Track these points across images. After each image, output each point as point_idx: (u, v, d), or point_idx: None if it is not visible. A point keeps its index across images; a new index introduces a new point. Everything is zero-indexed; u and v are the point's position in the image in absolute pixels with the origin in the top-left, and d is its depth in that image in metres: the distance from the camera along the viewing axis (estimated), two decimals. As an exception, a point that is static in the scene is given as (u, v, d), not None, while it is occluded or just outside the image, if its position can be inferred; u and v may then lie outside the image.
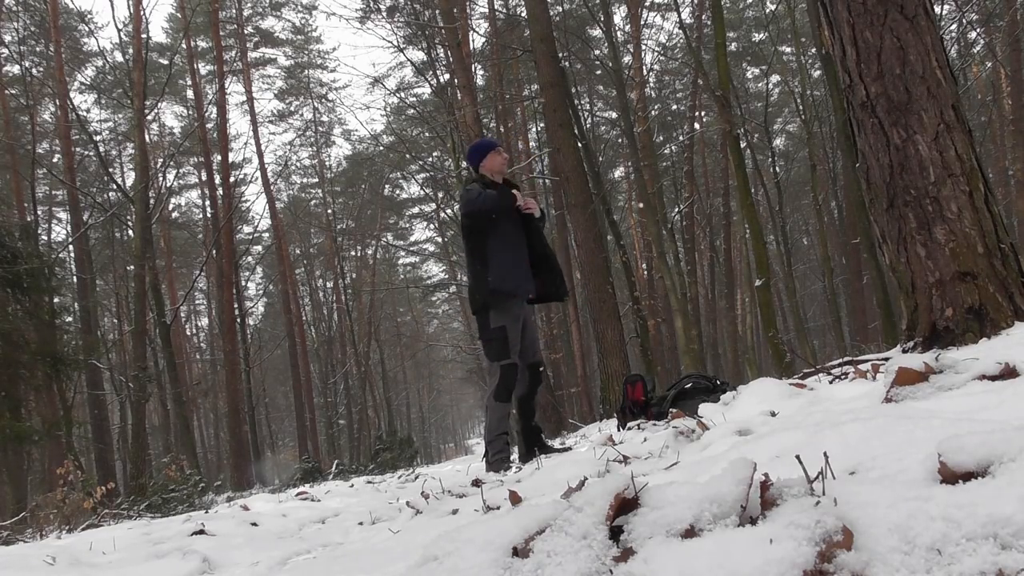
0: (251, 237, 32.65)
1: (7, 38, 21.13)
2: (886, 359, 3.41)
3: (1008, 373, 1.41)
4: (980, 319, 3.04)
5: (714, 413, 2.27)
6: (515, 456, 5.35)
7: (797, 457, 0.84)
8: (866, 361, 3.47)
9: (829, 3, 3.50)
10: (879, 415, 1.17)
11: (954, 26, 17.38)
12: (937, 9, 13.68)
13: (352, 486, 8.49)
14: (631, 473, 0.91)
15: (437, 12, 18.54)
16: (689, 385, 5.51)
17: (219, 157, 24.94)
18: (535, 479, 1.63)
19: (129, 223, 21.74)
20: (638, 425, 4.69)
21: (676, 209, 23.93)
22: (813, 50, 19.43)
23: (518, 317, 4.75)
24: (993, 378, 1.40)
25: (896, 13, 3.24)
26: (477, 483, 2.82)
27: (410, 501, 1.55)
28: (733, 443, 1.33)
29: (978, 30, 18.07)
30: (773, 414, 2.03)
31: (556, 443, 7.43)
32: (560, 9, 22.17)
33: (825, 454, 0.89)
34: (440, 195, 25.49)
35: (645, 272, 25.90)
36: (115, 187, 21.94)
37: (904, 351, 3.40)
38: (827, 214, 24.20)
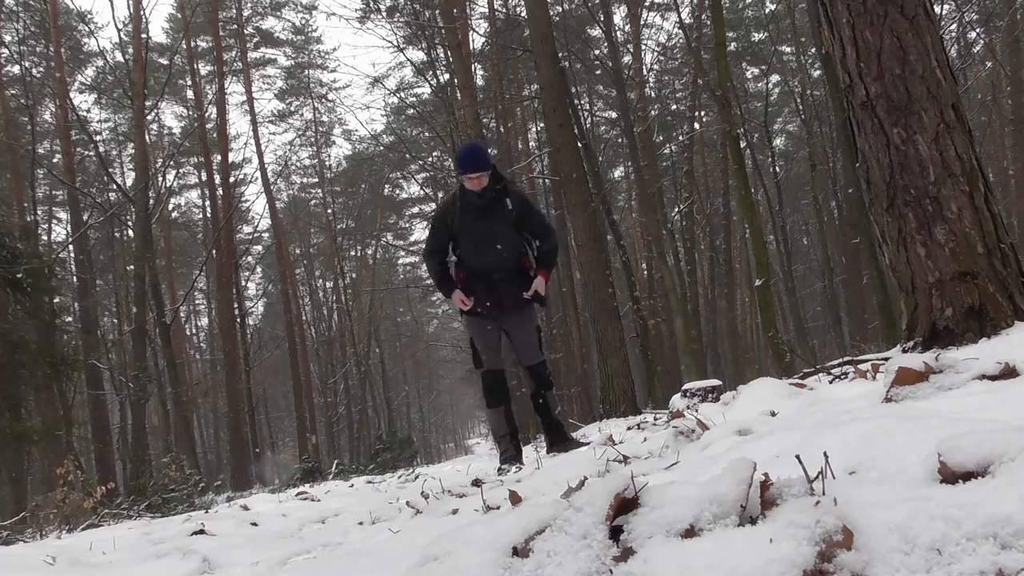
0: (251, 237, 32.65)
1: (7, 38, 21.13)
2: (886, 359, 3.41)
3: (1008, 373, 1.41)
4: (980, 319, 3.03)
5: (714, 413, 2.28)
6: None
7: (797, 457, 0.84)
8: (866, 361, 3.47)
9: (829, 3, 3.49)
10: (879, 415, 1.17)
11: (954, 26, 17.39)
12: (937, 9, 13.68)
13: (352, 486, 8.49)
14: (631, 473, 0.91)
15: (437, 12, 18.54)
16: None
17: (219, 157, 24.94)
18: (535, 479, 1.63)
19: (129, 223, 21.76)
20: (638, 425, 4.69)
21: (676, 209, 23.93)
22: (813, 50, 19.43)
23: (486, 330, 4.80)
24: (993, 378, 1.40)
25: (896, 13, 3.24)
26: (477, 483, 2.82)
27: (410, 501, 1.55)
28: (733, 443, 1.33)
29: (978, 30, 18.06)
30: (773, 414, 2.03)
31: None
32: (560, 9, 22.17)
33: (825, 454, 0.89)
34: (440, 195, 25.48)
35: (645, 272, 25.89)
36: (115, 187, 21.95)
37: (904, 351, 3.39)
38: (827, 214, 24.20)
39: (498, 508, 1.35)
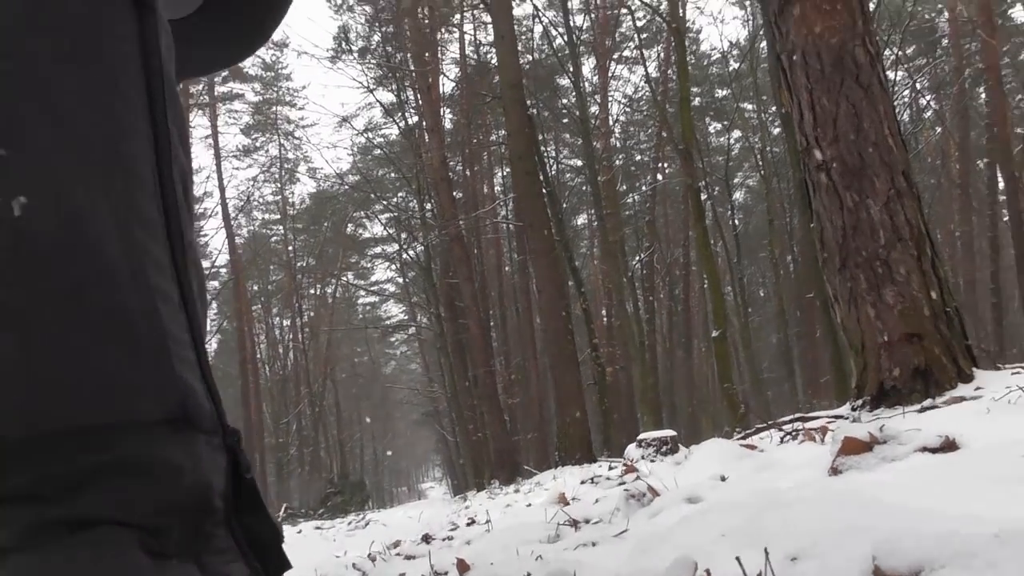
0: (208, 273, 32.13)
1: None
2: (836, 416, 3.47)
3: (948, 446, 1.45)
4: (926, 380, 3.11)
5: (666, 474, 2.28)
6: None
7: (737, 559, 0.85)
8: (816, 419, 3.52)
9: (788, 68, 3.61)
10: (823, 498, 1.18)
11: (907, 92, 18.09)
12: (891, 74, 14.25)
13: (300, 532, 8.31)
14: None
15: (408, 56, 18.74)
16: None
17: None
18: (483, 543, 1.61)
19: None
20: (592, 479, 4.67)
21: (637, 258, 24.21)
22: (774, 108, 20.02)
23: None
24: (934, 450, 1.44)
25: (852, 81, 3.36)
26: (427, 539, 2.78)
27: (356, 563, 1.52)
28: (682, 514, 1.33)
29: (928, 97, 18.81)
30: (723, 478, 2.05)
31: (509, 489, 7.21)
32: (530, 58, 22.57)
33: (766, 550, 0.90)
34: (404, 235, 25.47)
35: (605, 319, 26.03)
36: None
37: (853, 408, 3.46)
38: (783, 267, 24.67)
39: (446, 574, 1.33)
